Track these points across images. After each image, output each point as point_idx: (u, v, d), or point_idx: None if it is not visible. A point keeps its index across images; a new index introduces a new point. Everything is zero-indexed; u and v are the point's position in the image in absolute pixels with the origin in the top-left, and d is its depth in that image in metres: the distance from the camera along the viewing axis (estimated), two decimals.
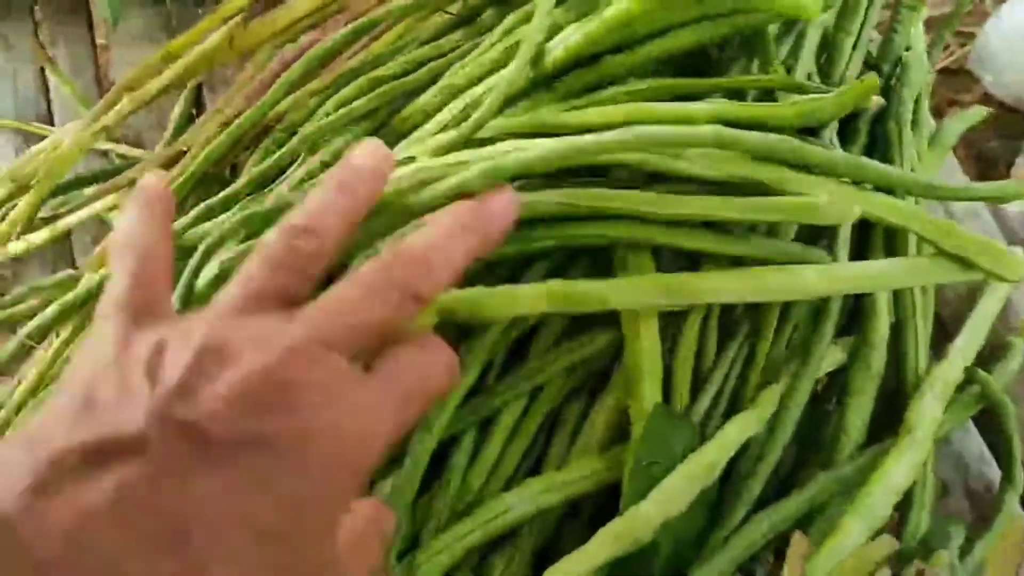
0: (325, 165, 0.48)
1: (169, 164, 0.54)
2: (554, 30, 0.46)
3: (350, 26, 0.55)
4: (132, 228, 0.32)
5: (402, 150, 0.47)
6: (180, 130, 0.66)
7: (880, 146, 0.53)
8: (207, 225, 0.49)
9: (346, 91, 0.53)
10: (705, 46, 0.46)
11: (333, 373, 0.27)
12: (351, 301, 0.29)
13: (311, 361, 0.27)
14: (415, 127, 0.51)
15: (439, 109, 0.50)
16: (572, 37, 0.44)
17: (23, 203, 0.52)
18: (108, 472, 0.23)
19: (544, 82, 0.46)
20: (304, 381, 0.26)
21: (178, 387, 0.25)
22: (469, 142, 0.43)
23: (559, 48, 0.44)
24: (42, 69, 0.71)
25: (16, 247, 0.56)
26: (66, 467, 0.23)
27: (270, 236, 0.31)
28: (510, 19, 0.50)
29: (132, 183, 0.54)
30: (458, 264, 0.32)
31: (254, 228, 0.42)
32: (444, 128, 0.47)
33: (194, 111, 0.68)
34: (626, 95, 0.43)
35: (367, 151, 0.35)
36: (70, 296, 0.47)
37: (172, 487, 0.24)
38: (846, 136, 0.51)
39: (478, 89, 0.47)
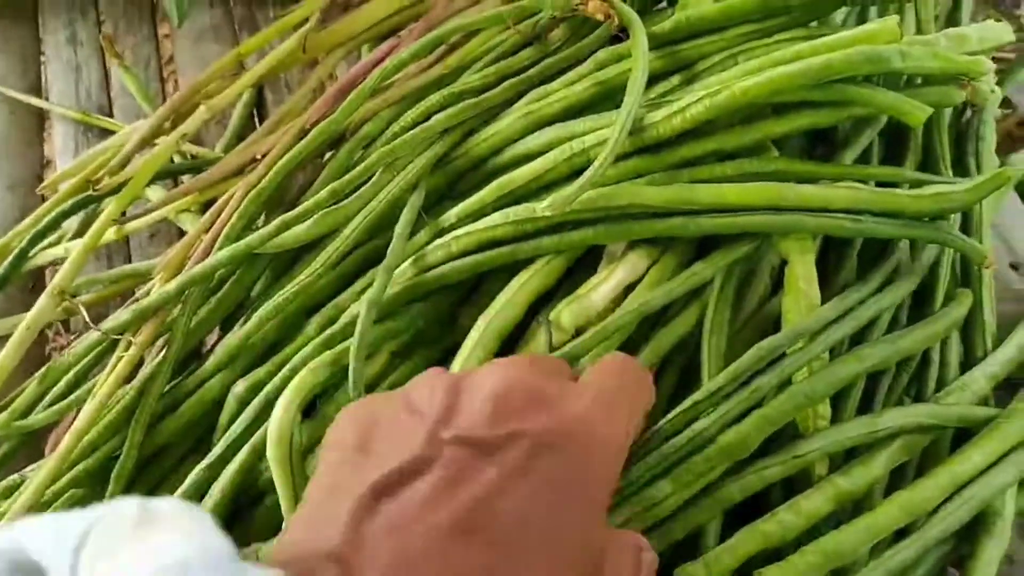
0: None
1: (239, 171, 0.54)
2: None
3: (426, 38, 0.55)
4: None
5: (502, 187, 0.47)
6: (241, 130, 0.66)
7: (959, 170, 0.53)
8: (286, 236, 0.49)
9: (423, 105, 0.53)
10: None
11: (564, 383, 0.33)
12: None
13: (546, 372, 0.34)
14: (495, 150, 0.51)
15: (521, 135, 0.50)
16: (692, 108, 0.44)
17: (106, 212, 0.51)
18: (404, 493, 0.28)
19: (650, 147, 0.46)
20: (544, 386, 0.32)
21: (440, 413, 0.30)
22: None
23: (677, 118, 0.44)
24: (105, 66, 0.70)
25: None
26: (365, 503, 0.27)
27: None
28: (602, 54, 0.50)
29: (204, 188, 0.53)
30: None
31: None
32: (549, 171, 0.47)
33: (255, 111, 0.68)
34: (753, 174, 0.45)
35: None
36: (145, 303, 0.47)
37: (460, 485, 0.28)
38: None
39: (578, 128, 0.48)
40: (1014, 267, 0.57)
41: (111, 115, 0.68)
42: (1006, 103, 1.15)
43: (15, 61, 0.71)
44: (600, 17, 0.49)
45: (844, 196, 0.44)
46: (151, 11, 0.73)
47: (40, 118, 0.69)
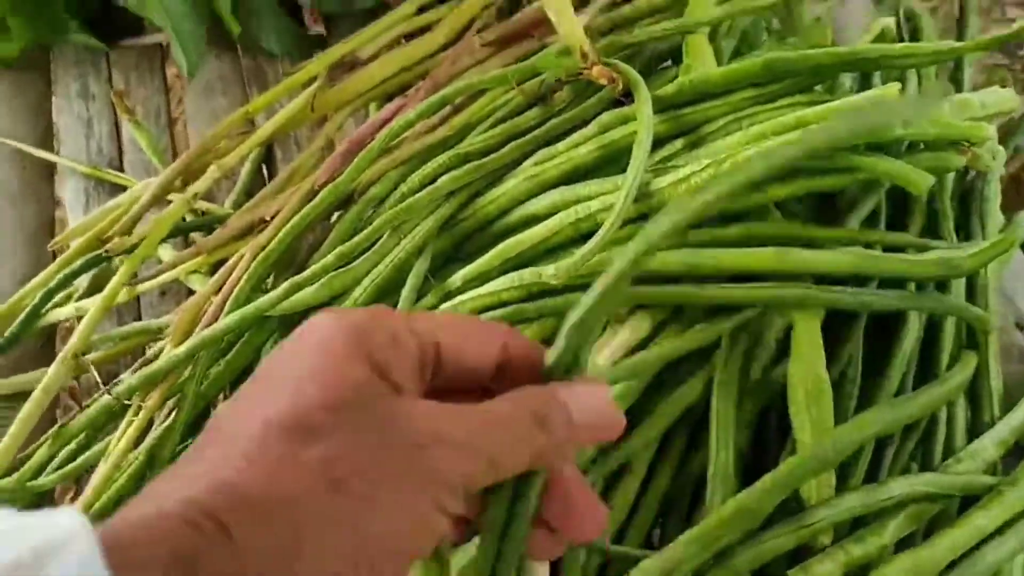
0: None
1: (248, 231, 0.54)
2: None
3: (432, 98, 0.55)
4: None
5: (508, 250, 0.48)
6: (250, 185, 0.66)
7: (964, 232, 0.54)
8: (295, 299, 0.49)
9: (429, 167, 0.53)
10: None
11: None
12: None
13: None
14: (501, 212, 0.52)
15: (526, 197, 0.51)
16: (697, 177, 0.45)
17: (119, 275, 0.52)
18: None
19: (655, 211, 0.46)
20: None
21: None
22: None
23: (682, 186, 0.45)
24: (116, 118, 0.71)
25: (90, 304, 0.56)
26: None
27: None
28: (606, 117, 0.50)
29: (214, 249, 0.54)
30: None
31: None
32: (556, 235, 0.48)
33: (263, 166, 0.68)
34: (758, 237, 0.46)
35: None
36: (155, 366, 0.48)
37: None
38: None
39: (583, 191, 0.49)
40: (1020, 327, 0.57)
41: (121, 167, 0.69)
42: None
43: (27, 113, 0.72)
44: (604, 82, 0.49)
45: (849, 261, 0.45)
46: (161, 63, 0.74)
47: (51, 170, 0.70)
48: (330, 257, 0.49)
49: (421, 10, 0.68)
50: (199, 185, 0.56)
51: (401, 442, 0.26)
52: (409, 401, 0.27)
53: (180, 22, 0.68)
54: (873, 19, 0.63)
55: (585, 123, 0.54)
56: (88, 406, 0.52)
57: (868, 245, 0.47)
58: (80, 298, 0.59)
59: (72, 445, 0.51)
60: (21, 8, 0.67)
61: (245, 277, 0.49)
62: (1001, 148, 0.56)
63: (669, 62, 0.59)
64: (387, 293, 0.50)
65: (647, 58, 0.58)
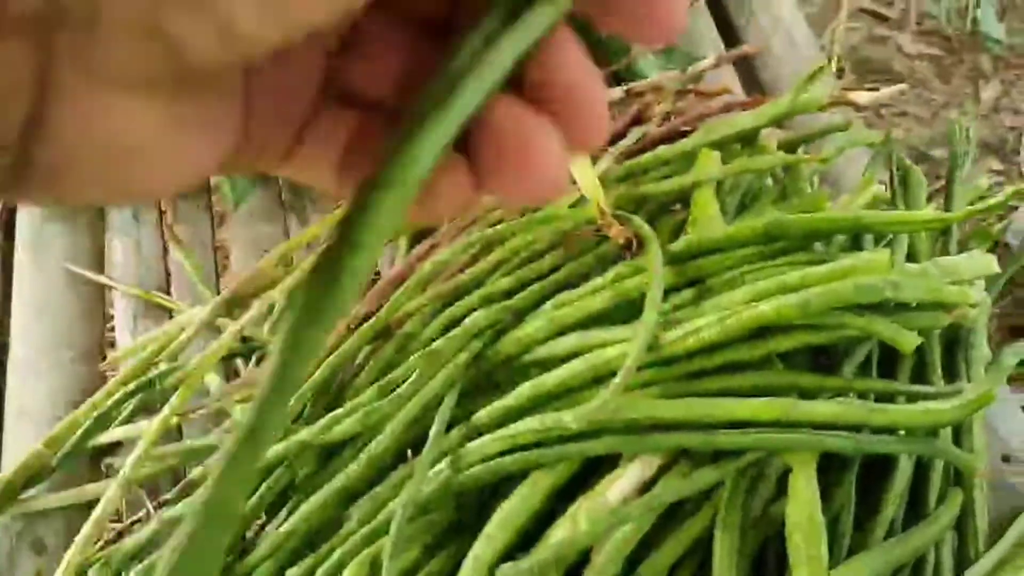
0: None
1: None
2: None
3: (462, 243, 0.61)
4: None
5: (531, 391, 0.52)
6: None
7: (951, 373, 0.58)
8: (335, 431, 0.54)
9: (459, 306, 0.58)
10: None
11: None
12: None
13: None
14: (524, 350, 0.56)
15: (547, 338, 0.56)
16: (706, 331, 0.49)
17: (172, 404, 0.57)
18: None
19: (665, 359, 0.51)
20: None
21: None
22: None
23: (691, 339, 0.50)
24: (164, 241, 0.77)
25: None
26: None
27: None
28: (621, 267, 0.55)
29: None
30: None
31: None
32: (575, 377, 0.52)
33: None
34: (762, 387, 0.50)
35: None
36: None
37: None
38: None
39: (598, 337, 0.53)
40: (1005, 459, 0.61)
41: (168, 288, 0.74)
42: (1004, 247, 1.21)
43: (81, 235, 0.78)
44: (621, 240, 0.54)
45: (846, 413, 0.49)
46: (207, 191, 0.80)
47: (102, 290, 0.75)
48: (369, 393, 0.54)
49: None
50: (246, 319, 0.61)
51: None
52: None
53: None
54: (868, 168, 0.68)
55: (600, 265, 0.59)
56: (134, 523, 0.56)
57: (863, 393, 0.52)
58: (126, 418, 0.63)
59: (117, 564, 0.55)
60: None
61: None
62: (986, 296, 0.61)
63: (678, 205, 0.65)
64: (418, 424, 0.54)
65: (658, 202, 0.64)
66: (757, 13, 0.90)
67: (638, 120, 0.72)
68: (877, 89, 1.55)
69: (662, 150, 0.65)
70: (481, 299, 0.59)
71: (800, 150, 0.67)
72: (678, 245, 0.56)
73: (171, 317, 0.72)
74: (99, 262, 0.77)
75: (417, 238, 0.71)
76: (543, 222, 0.61)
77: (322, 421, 0.53)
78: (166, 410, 0.56)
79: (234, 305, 0.65)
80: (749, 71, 0.87)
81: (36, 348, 0.71)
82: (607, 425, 0.51)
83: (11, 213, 0.79)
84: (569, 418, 0.49)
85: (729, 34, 0.90)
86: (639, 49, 0.79)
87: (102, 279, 0.75)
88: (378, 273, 0.71)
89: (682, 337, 0.51)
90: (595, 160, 0.66)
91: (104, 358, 0.72)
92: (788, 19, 0.90)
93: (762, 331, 0.52)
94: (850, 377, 0.52)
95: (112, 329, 0.73)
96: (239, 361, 0.66)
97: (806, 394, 0.51)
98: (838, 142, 0.68)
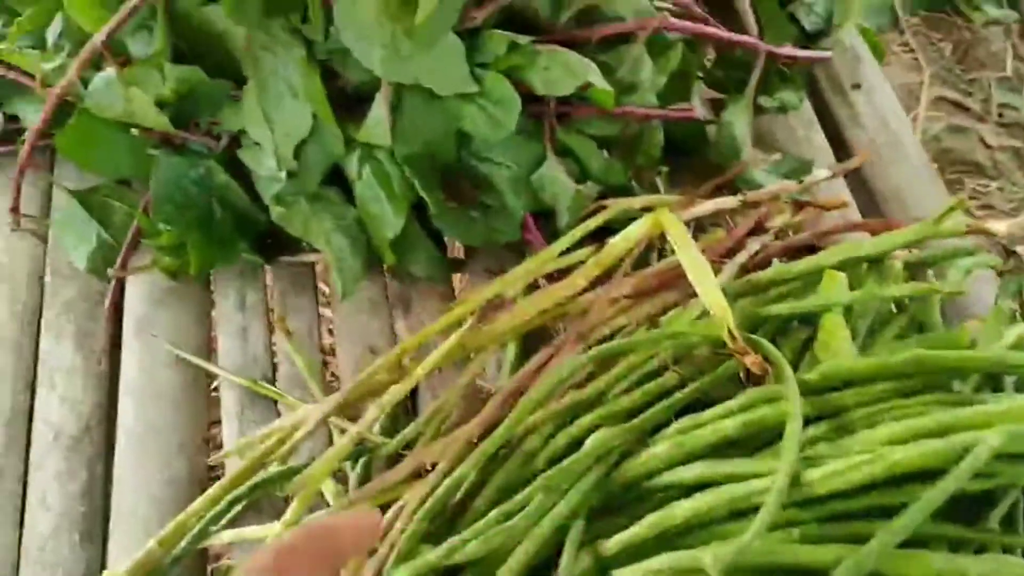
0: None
1: (412, 476, 0.59)
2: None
3: (582, 358, 0.60)
4: None
5: (661, 522, 0.51)
6: (394, 411, 0.70)
7: None
8: (457, 556, 0.53)
9: (578, 425, 0.57)
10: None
11: None
12: None
13: None
14: (650, 474, 0.55)
15: (672, 465, 0.54)
16: (851, 474, 0.48)
17: (291, 512, 0.56)
18: None
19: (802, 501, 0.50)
20: None
21: None
22: None
23: (836, 480, 0.48)
24: (271, 331, 0.77)
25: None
26: None
27: None
28: (752, 393, 0.54)
29: (378, 494, 0.58)
30: None
31: None
32: (710, 510, 0.51)
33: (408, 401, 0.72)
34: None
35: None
36: None
37: None
38: None
39: (731, 469, 0.52)
40: None
41: (274, 378, 0.74)
42: None
43: (189, 321, 0.78)
44: (756, 371, 0.53)
45: (993, 571, 0.47)
46: (313, 280, 0.80)
47: (209, 378, 0.76)
48: (492, 516, 0.53)
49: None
50: (363, 423, 0.61)
51: None
52: None
53: (341, 251, 0.74)
54: (999, 296, 0.67)
55: (723, 386, 0.58)
56: None
57: (1009, 547, 0.50)
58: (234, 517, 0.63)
59: None
60: (197, 234, 0.74)
61: (408, 533, 0.53)
62: None
63: (795, 322, 0.64)
64: (545, 548, 0.53)
65: (780, 322, 0.63)
66: (866, 124, 0.90)
67: (756, 230, 0.71)
68: (960, 180, 1.52)
69: (783, 268, 0.65)
70: (602, 417, 0.58)
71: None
72: (812, 375, 0.55)
73: (276, 406, 0.72)
74: (206, 348, 0.78)
75: (528, 344, 0.71)
76: (667, 337, 0.60)
77: (445, 546, 0.52)
78: (287, 517, 0.56)
79: (347, 407, 0.65)
80: (857, 176, 0.86)
81: (141, 435, 0.71)
82: (742, 565, 0.49)
83: (121, 294, 0.80)
84: (708, 560, 0.47)
85: (837, 140, 0.90)
86: (750, 155, 0.79)
87: (208, 366, 0.75)
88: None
89: (824, 478, 0.49)
90: (716, 270, 0.65)
91: (209, 444, 0.72)
92: (895, 127, 0.89)
93: (907, 476, 0.50)
94: (997, 530, 0.51)
95: (218, 422, 0.73)
96: (347, 464, 0.65)
97: (952, 546, 0.49)
98: (964, 264, 0.67)
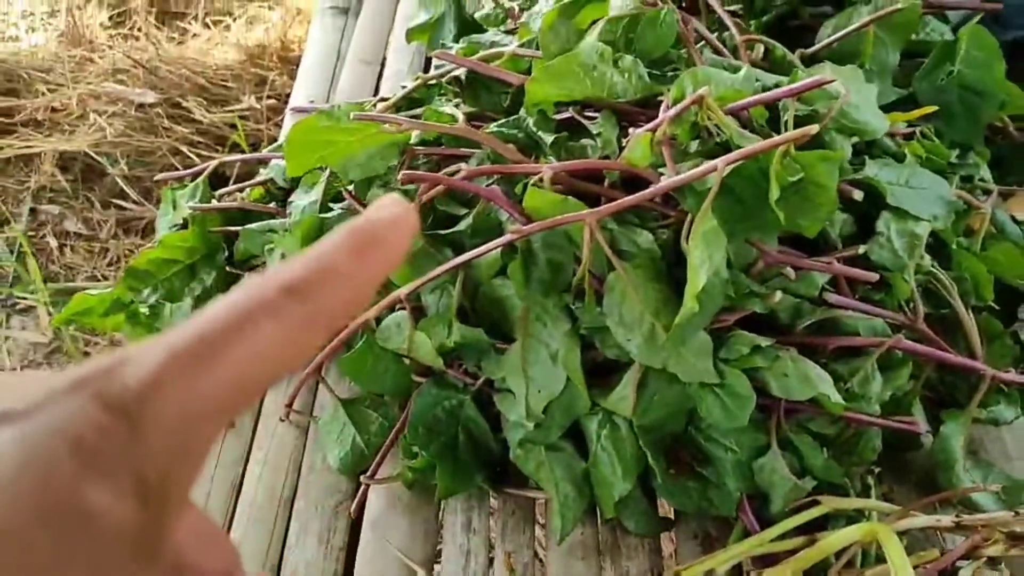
0: None
1: None
2: None
3: None
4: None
5: None
6: None
7: None
8: None
9: None
10: None
11: None
12: None
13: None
14: None
15: None
16: None
17: None
18: None
19: None
20: None
21: None
22: None
23: None
24: (490, 554, 0.85)
25: None
26: None
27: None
28: None
29: None
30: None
31: None
32: None
33: None
34: None
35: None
36: None
37: None
38: None
39: None
40: None
41: None
42: None
43: (417, 532, 0.87)
44: None
45: None
46: (533, 515, 0.88)
47: None
48: None
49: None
50: None
51: None
52: None
53: (566, 498, 0.82)
54: None
55: None
56: None
57: None
58: None
59: None
60: (446, 461, 0.83)
61: None
62: None
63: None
64: None
65: None
66: None
67: (967, 555, 0.74)
68: None
69: None
70: None
71: None
72: None
73: None
74: (431, 562, 0.86)
75: None
76: None
77: None
78: None
79: None
80: None
81: None
82: None
83: (364, 496, 0.89)
84: None
85: None
86: (975, 479, 0.82)
87: None
88: None
89: None
90: None
91: None
92: None
93: None
94: None
95: None
96: None
97: None
98: None
